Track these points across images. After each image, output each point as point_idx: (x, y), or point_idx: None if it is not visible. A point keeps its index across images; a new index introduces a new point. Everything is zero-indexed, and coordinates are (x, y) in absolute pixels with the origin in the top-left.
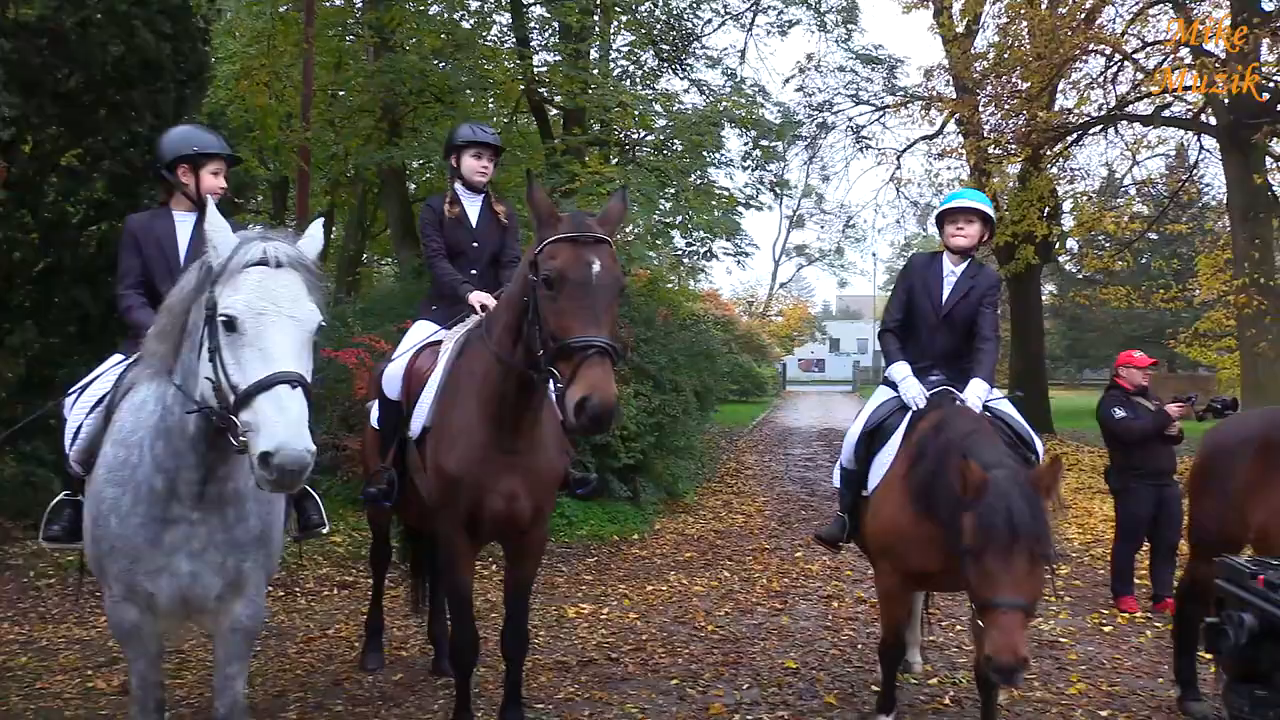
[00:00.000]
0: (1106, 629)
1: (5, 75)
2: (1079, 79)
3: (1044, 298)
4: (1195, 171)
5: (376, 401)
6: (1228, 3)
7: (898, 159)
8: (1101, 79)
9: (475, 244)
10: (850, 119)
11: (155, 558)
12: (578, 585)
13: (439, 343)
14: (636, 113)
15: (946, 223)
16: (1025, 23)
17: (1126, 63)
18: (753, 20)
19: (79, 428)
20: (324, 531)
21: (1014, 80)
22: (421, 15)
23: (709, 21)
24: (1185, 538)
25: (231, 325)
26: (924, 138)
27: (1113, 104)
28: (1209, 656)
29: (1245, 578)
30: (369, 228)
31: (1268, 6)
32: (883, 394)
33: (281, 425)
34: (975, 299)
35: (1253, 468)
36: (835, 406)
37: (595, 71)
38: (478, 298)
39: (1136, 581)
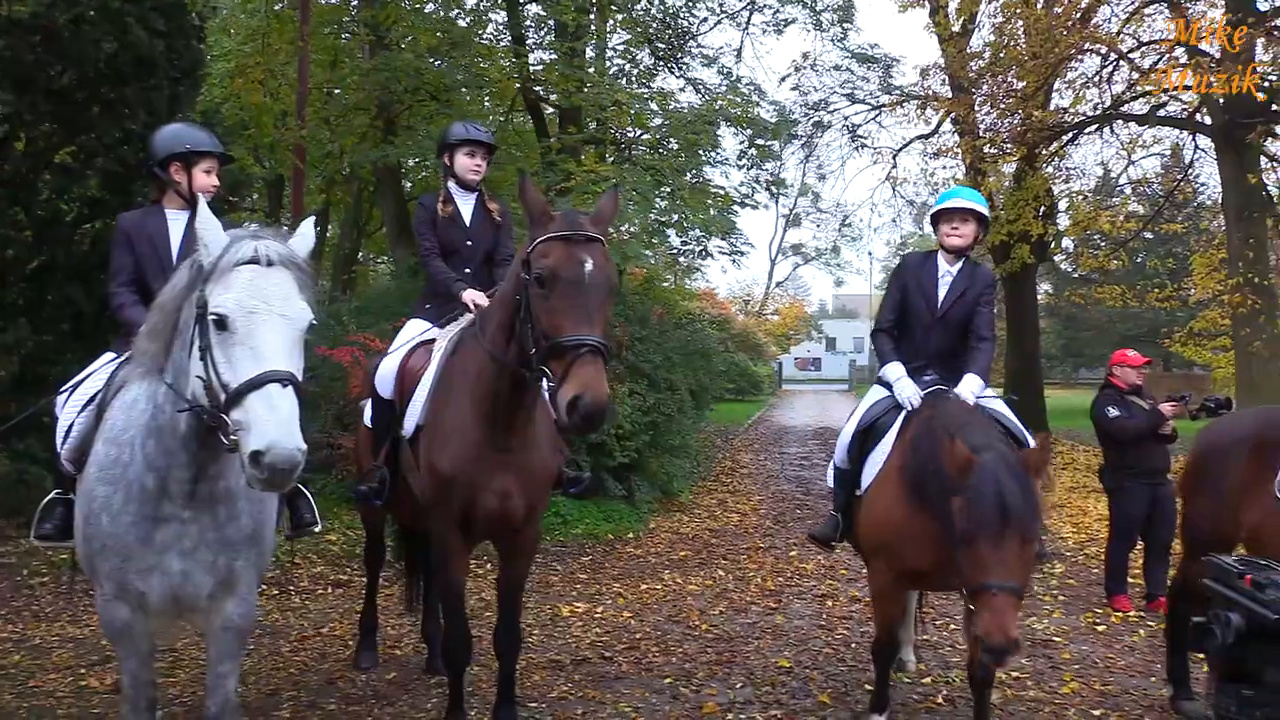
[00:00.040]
0: (1100, 628)
1: None
2: (1074, 78)
3: (1039, 297)
4: (1190, 171)
5: (370, 400)
6: (1223, 2)
7: (893, 158)
8: (1097, 78)
9: (469, 242)
10: (846, 118)
11: (146, 556)
12: (572, 584)
13: (432, 341)
14: (632, 111)
15: (941, 222)
16: (1021, 22)
17: (1122, 62)
18: (749, 19)
19: (70, 426)
20: (316, 530)
21: (1009, 79)
22: (417, 13)
23: (705, 20)
24: (1178, 537)
25: (223, 324)
26: (920, 137)
27: (1108, 103)
28: (1202, 656)
29: (1233, 577)
30: (364, 226)
31: (1262, 6)
32: (876, 393)
33: (272, 424)
34: (971, 298)
35: (1246, 467)
36: (831, 405)
37: (591, 70)
38: (471, 296)
39: (1130, 580)
